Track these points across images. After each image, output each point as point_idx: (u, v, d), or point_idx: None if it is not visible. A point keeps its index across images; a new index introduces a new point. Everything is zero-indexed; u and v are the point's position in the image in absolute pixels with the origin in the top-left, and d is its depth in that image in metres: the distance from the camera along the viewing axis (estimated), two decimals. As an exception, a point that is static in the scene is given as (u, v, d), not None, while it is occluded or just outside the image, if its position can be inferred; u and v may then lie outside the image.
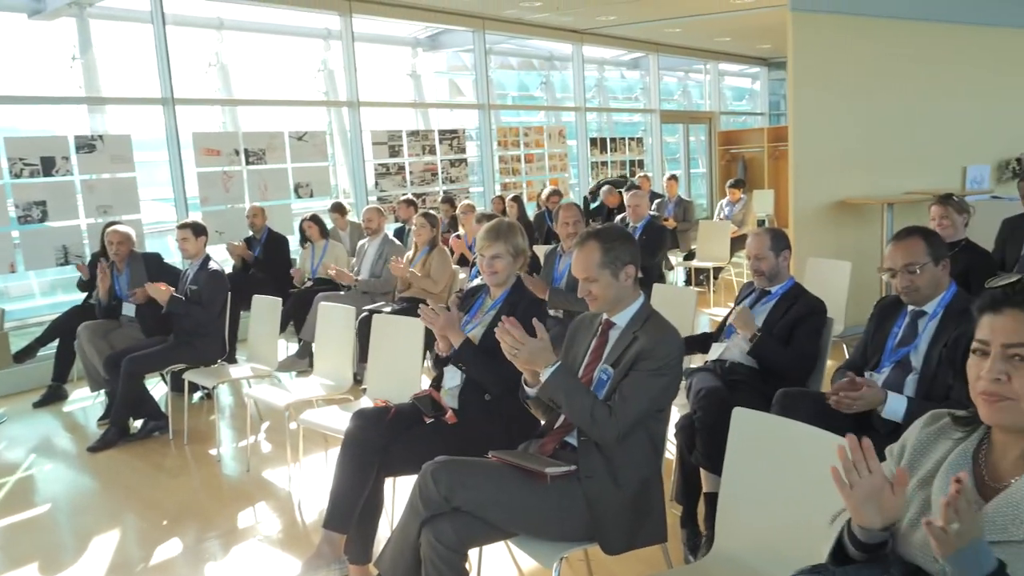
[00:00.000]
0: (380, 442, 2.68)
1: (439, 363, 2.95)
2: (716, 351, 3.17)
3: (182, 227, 4.88)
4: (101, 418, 5.06)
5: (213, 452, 4.43)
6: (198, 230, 4.86)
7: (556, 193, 8.59)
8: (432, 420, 2.78)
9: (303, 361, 5.80)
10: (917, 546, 1.32)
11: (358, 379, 4.63)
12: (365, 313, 4.97)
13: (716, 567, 2.06)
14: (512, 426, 2.64)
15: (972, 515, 1.15)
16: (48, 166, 6.23)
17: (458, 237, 6.63)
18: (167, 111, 7.02)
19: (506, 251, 2.85)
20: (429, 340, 3.59)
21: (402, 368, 3.56)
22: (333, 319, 4.19)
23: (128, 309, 5.28)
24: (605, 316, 2.35)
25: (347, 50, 8.58)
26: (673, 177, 9.37)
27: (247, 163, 7.61)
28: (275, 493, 3.84)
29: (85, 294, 5.77)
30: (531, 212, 8.96)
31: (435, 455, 2.30)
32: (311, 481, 3.89)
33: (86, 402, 5.37)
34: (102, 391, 5.16)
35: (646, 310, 2.31)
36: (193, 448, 4.55)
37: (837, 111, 5.86)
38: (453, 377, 2.87)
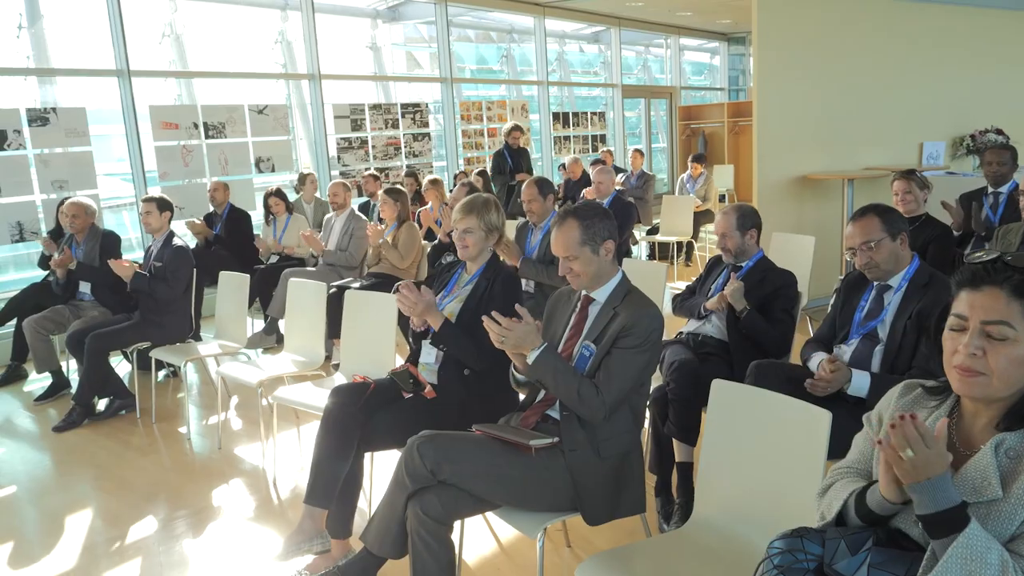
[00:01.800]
0: (360, 417, 2.69)
1: (416, 338, 2.96)
2: (692, 324, 3.24)
3: (147, 201, 4.78)
4: (38, 398, 5.01)
5: (182, 430, 4.39)
6: (163, 205, 4.77)
7: (517, 128, 8.61)
8: (411, 395, 2.80)
9: (270, 337, 5.75)
10: (900, 512, 1.39)
11: (327, 355, 4.61)
12: (334, 289, 4.94)
13: (695, 533, 2.12)
14: (491, 400, 2.67)
15: (928, 450, 1.21)
16: (-1, 140, 6.03)
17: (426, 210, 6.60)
18: (122, 83, 6.82)
19: (478, 226, 2.86)
20: (403, 315, 3.61)
21: (376, 344, 3.56)
22: (303, 295, 4.16)
23: (85, 287, 5.19)
24: (584, 292, 2.39)
25: (307, 22, 8.41)
26: (638, 151, 9.44)
27: (206, 137, 7.44)
28: (248, 470, 3.82)
29: (46, 272, 5.62)
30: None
31: (415, 430, 2.32)
32: (284, 457, 3.88)
33: (47, 381, 5.25)
34: (47, 372, 5.09)
35: (625, 285, 2.35)
36: (161, 426, 4.50)
37: (800, 87, 5.95)
38: (430, 352, 2.89)
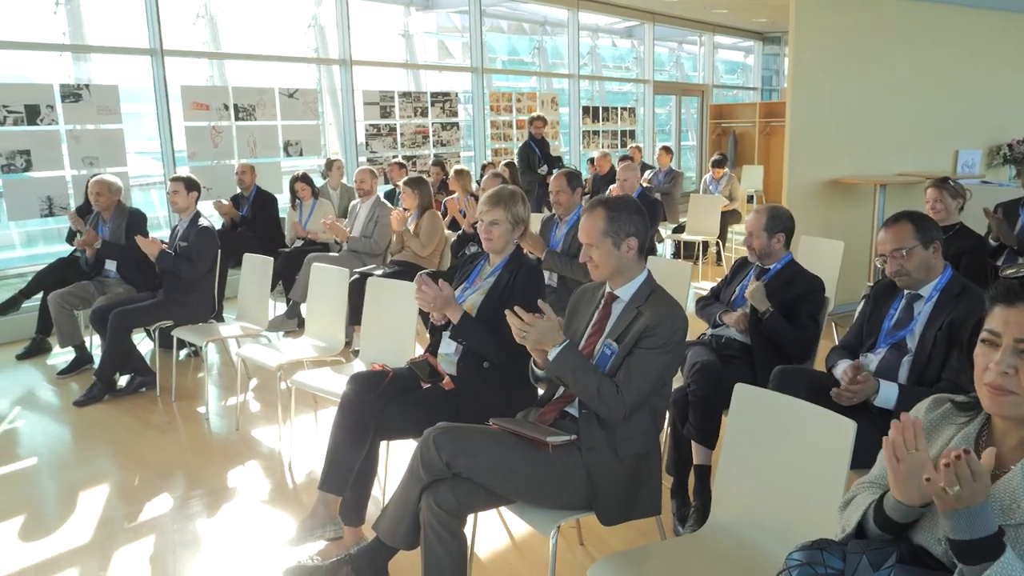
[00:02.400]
0: (377, 406, 2.68)
1: (435, 329, 2.94)
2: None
3: (175, 180, 4.82)
4: (61, 372, 5.08)
5: (201, 410, 4.42)
6: (190, 185, 4.81)
7: (540, 119, 8.59)
8: (429, 386, 2.78)
9: (291, 321, 5.77)
10: (921, 527, 1.35)
11: (347, 342, 4.62)
12: (356, 276, 4.94)
13: (711, 538, 2.09)
14: (510, 394, 2.65)
15: (975, 486, 1.17)
16: (32, 114, 6.09)
17: (453, 199, 6.59)
18: (155, 62, 6.87)
19: (505, 218, 2.84)
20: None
21: (396, 333, 3.55)
22: (326, 280, 4.16)
23: (111, 264, 5.24)
24: (608, 289, 2.35)
25: (341, 7, 8.42)
26: (666, 148, 9.36)
27: (236, 119, 7.48)
28: (264, 452, 3.84)
29: (73, 247, 5.69)
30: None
31: (432, 421, 2.31)
32: (301, 442, 3.89)
33: (71, 355, 5.31)
34: (71, 346, 5.15)
35: (650, 284, 2.31)
36: (180, 405, 4.53)
37: (835, 90, 5.84)
38: (449, 344, 2.87)
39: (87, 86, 6.44)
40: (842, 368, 2.63)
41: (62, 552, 2.94)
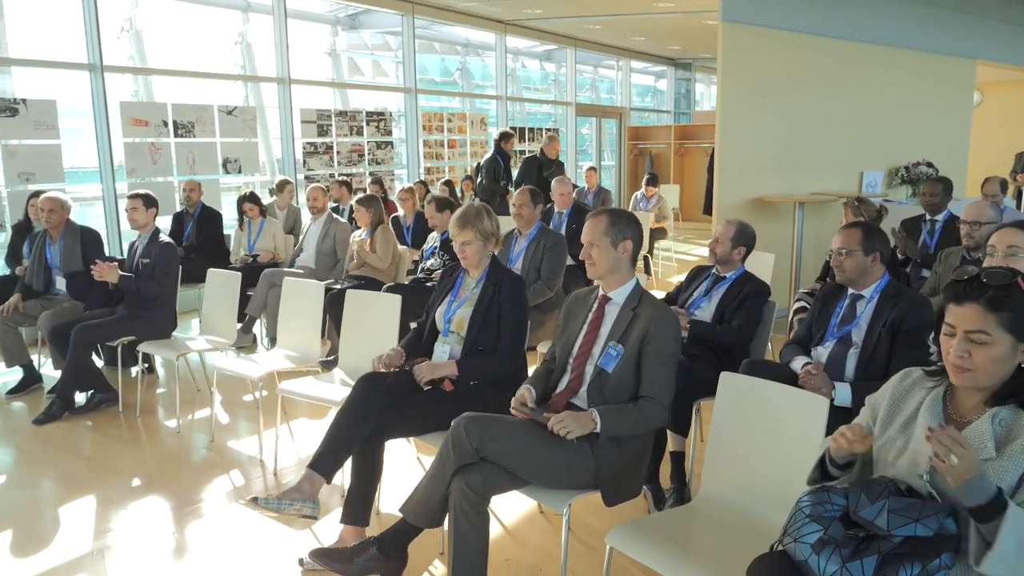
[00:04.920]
0: (379, 403, 2.85)
1: (428, 340, 3.14)
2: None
3: (133, 197, 4.81)
4: (9, 392, 5.00)
5: (171, 424, 4.45)
6: (148, 201, 4.81)
7: (508, 136, 8.89)
8: (429, 388, 2.98)
9: (247, 336, 5.82)
10: (904, 468, 1.69)
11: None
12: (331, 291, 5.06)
13: (705, 507, 2.39)
14: (508, 391, 2.88)
15: (967, 452, 1.50)
16: (-33, 129, 5.93)
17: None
18: (95, 77, 6.79)
19: (475, 236, 3.04)
20: (404, 315, 3.80)
21: (378, 340, 3.72)
22: (299, 294, 4.30)
23: (60, 283, 5.17)
24: (601, 292, 2.64)
25: (278, 25, 8.49)
26: (593, 168, 9.81)
27: (175, 135, 7.44)
28: (243, 461, 3.93)
29: (9, 269, 5.54)
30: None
31: (435, 420, 2.52)
32: (282, 449, 3.99)
33: (16, 375, 5.19)
34: (18, 366, 5.08)
35: (639, 289, 2.62)
36: (145, 420, 4.54)
37: (757, 115, 6.39)
38: (444, 351, 3.08)
39: (24, 101, 6.31)
40: (800, 363, 2.97)
41: (60, 564, 2.98)
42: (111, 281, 4.59)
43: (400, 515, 2.55)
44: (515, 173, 9.01)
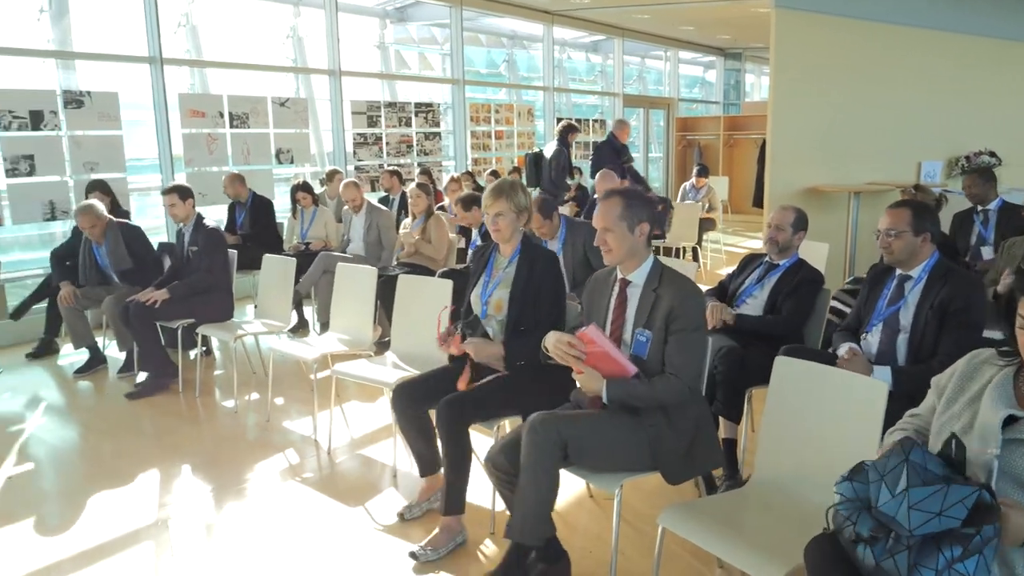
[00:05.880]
0: (424, 406, 3.02)
1: (468, 325, 3.14)
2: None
3: (168, 193, 4.84)
4: (77, 371, 5.18)
5: (228, 404, 4.58)
6: (184, 193, 4.84)
7: (573, 128, 8.84)
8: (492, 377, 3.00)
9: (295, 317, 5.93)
10: (969, 444, 1.66)
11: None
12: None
13: (758, 491, 2.39)
14: (555, 371, 2.88)
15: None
16: (36, 120, 6.17)
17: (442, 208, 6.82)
18: (155, 70, 6.99)
19: (508, 208, 2.98)
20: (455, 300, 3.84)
21: (430, 326, 3.76)
22: (351, 279, 4.38)
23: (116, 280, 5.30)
24: (620, 275, 2.58)
25: (330, 19, 8.62)
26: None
27: (231, 126, 7.62)
28: (299, 441, 4.03)
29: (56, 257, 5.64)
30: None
31: (506, 402, 2.68)
32: (335, 430, 4.08)
33: (82, 355, 5.40)
34: (85, 347, 5.27)
35: (658, 266, 2.54)
36: (205, 400, 4.69)
37: (811, 103, 6.28)
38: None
39: (89, 93, 6.53)
40: (844, 349, 2.94)
41: (126, 533, 3.11)
42: (163, 301, 4.65)
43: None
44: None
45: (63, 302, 5.17)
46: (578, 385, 2.50)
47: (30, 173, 6.16)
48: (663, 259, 2.64)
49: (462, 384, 2.90)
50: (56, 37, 6.88)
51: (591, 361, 2.44)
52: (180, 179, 7.25)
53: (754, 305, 3.48)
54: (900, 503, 1.53)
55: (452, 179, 7.19)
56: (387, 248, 5.96)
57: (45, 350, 5.64)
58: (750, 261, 3.71)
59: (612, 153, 8.29)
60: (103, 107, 6.60)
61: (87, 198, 5.43)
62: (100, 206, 5.16)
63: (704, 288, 3.46)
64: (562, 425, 2.36)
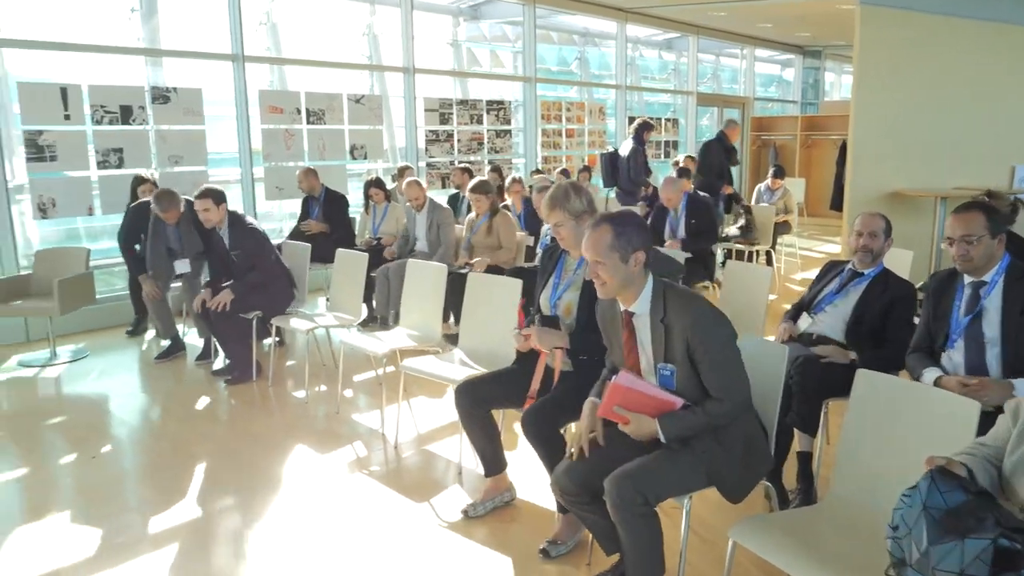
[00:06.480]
0: (484, 407, 3.13)
1: (542, 321, 3.13)
2: (804, 323, 3.40)
3: (201, 198, 4.70)
4: (157, 357, 5.43)
5: (299, 394, 4.69)
6: (218, 198, 4.76)
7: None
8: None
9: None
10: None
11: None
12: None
13: (832, 508, 2.30)
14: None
15: None
16: (126, 115, 6.43)
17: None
18: (237, 67, 7.20)
19: (565, 217, 2.94)
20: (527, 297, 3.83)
21: (499, 324, 3.77)
22: (421, 275, 4.42)
23: (181, 266, 5.47)
24: (622, 307, 2.44)
25: (405, 17, 8.73)
26: (690, 158, 9.44)
27: (307, 122, 7.79)
28: (366, 433, 4.09)
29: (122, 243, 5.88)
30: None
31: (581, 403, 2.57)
32: (402, 424, 4.13)
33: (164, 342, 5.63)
34: (168, 337, 5.53)
35: (659, 288, 2.39)
36: (277, 389, 4.81)
37: (896, 104, 6.04)
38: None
39: (175, 89, 6.77)
40: (931, 377, 2.71)
41: (204, 513, 3.21)
42: (228, 302, 4.71)
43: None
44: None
45: (150, 298, 5.42)
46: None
47: (119, 165, 6.43)
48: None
49: (532, 393, 2.93)
50: (145, 35, 7.16)
51: (633, 407, 2.36)
52: (259, 173, 7.47)
53: (833, 314, 3.33)
54: (926, 564, 1.55)
55: (513, 180, 7.17)
56: (444, 244, 5.95)
57: (139, 328, 6.17)
58: (831, 268, 3.57)
59: (722, 152, 8.21)
60: (188, 103, 6.84)
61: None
62: (177, 198, 5.28)
63: (771, 297, 3.33)
64: (635, 479, 2.27)
